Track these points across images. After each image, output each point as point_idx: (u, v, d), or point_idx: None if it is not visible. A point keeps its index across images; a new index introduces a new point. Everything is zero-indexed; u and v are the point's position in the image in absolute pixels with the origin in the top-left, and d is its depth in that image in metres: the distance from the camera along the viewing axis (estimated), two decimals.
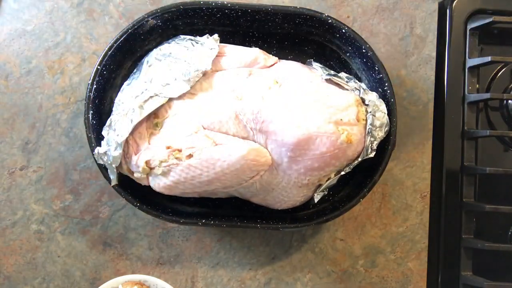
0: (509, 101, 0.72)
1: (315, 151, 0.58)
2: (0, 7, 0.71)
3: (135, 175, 0.60)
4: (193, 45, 0.62)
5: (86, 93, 0.62)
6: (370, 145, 0.60)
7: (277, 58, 0.65)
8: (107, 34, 0.71)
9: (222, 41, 0.65)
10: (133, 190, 0.62)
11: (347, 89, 0.61)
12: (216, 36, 0.63)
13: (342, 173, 0.61)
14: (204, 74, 0.61)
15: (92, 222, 0.70)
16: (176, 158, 0.58)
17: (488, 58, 0.68)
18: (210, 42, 0.62)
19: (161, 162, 0.58)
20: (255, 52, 0.63)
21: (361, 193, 0.62)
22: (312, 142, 0.57)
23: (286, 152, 0.58)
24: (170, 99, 0.60)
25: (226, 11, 0.64)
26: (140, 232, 0.70)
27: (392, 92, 0.62)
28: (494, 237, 0.71)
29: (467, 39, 0.72)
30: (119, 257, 0.70)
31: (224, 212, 0.67)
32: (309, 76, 0.62)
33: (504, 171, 0.68)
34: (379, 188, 0.71)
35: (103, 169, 0.61)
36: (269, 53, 0.65)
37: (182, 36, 0.64)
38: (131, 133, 0.59)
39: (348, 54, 0.67)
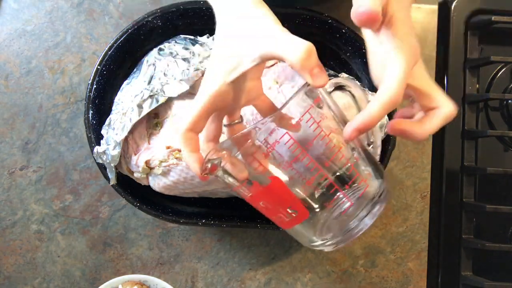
0: (509, 101, 0.72)
1: (314, 151, 0.57)
2: (0, 7, 0.71)
3: (135, 175, 0.60)
4: (193, 45, 0.62)
5: (86, 93, 0.62)
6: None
7: None
8: (107, 34, 0.71)
9: None
10: (133, 190, 0.62)
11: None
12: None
13: None
14: (204, 74, 0.61)
15: (92, 222, 0.70)
16: (176, 158, 0.58)
17: (488, 58, 0.68)
18: (210, 42, 0.62)
19: (161, 162, 0.58)
20: None
21: None
22: (312, 142, 0.57)
23: (286, 152, 0.58)
24: (170, 99, 0.60)
25: None
26: (140, 232, 0.70)
27: None
28: (494, 237, 0.71)
29: (467, 39, 0.72)
30: (119, 257, 0.70)
31: (224, 212, 0.67)
32: None
33: (504, 171, 0.68)
34: None
35: (103, 168, 0.61)
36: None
37: (182, 36, 0.64)
38: (131, 133, 0.59)
39: (348, 54, 0.67)
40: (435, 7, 0.73)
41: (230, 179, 0.42)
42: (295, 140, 0.40)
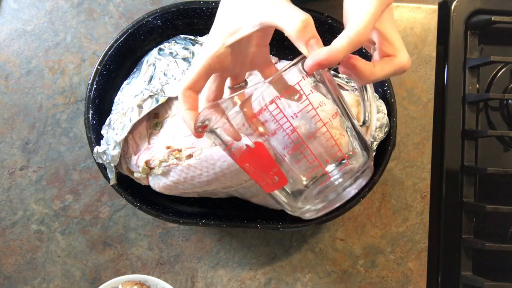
0: (509, 101, 0.72)
1: (314, 151, 0.57)
2: (0, 7, 0.71)
3: (135, 175, 0.60)
4: (193, 45, 0.62)
5: (86, 93, 0.62)
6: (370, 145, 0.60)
7: (277, 58, 0.65)
8: (107, 34, 0.71)
9: None
10: (133, 190, 0.62)
11: (347, 90, 0.61)
12: None
13: None
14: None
15: (92, 222, 0.70)
16: (176, 158, 0.58)
17: (488, 58, 0.68)
18: None
19: (161, 162, 0.58)
20: None
21: (361, 193, 0.62)
22: (312, 142, 0.57)
23: (286, 152, 0.58)
24: (170, 99, 0.60)
25: None
26: (140, 232, 0.70)
27: (392, 92, 0.62)
28: (494, 237, 0.71)
29: (467, 39, 0.72)
30: (119, 257, 0.70)
31: (224, 212, 0.67)
32: None
33: (504, 171, 0.68)
34: (379, 188, 0.71)
35: (102, 168, 0.61)
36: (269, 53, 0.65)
37: (182, 36, 0.64)
38: (131, 133, 0.59)
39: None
40: (435, 7, 0.73)
41: (220, 139, 0.44)
42: (281, 109, 0.40)
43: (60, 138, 0.70)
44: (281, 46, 0.69)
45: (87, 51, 0.71)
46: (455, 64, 0.72)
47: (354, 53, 0.38)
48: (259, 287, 0.70)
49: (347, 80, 0.62)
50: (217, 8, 0.63)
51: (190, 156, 0.58)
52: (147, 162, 0.59)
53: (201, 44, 0.62)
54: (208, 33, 0.63)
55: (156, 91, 0.59)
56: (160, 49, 0.62)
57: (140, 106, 0.58)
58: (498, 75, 0.73)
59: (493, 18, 0.69)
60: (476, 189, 0.71)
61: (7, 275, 0.69)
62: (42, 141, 0.70)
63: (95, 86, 0.62)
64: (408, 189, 0.71)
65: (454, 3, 0.71)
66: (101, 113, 0.64)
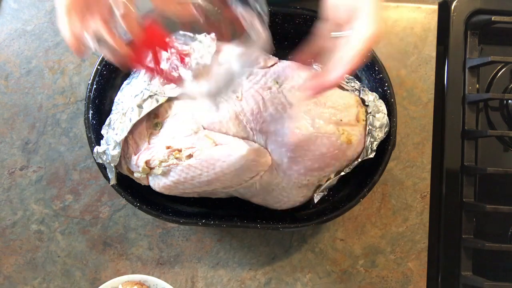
0: (509, 101, 0.72)
1: (315, 152, 0.58)
2: (0, 7, 0.71)
3: (135, 175, 0.60)
4: (193, 41, 0.62)
5: (86, 93, 0.62)
6: (370, 145, 0.60)
7: (277, 58, 0.65)
8: None
9: None
10: (133, 190, 0.62)
11: (347, 90, 0.61)
12: (213, 35, 0.63)
13: (342, 173, 0.61)
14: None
15: (92, 222, 0.70)
16: (176, 158, 0.58)
17: (488, 58, 0.68)
18: (207, 41, 0.62)
19: (161, 162, 0.58)
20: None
21: (361, 193, 0.62)
22: (312, 142, 0.57)
23: (286, 153, 0.58)
24: (170, 99, 0.60)
25: None
26: (140, 232, 0.70)
27: (392, 92, 0.62)
28: (494, 237, 0.71)
29: (467, 39, 0.72)
30: (119, 257, 0.70)
31: (224, 212, 0.67)
32: None
33: (504, 171, 0.68)
34: (379, 188, 0.71)
35: (103, 168, 0.61)
36: (269, 53, 0.65)
37: (181, 32, 0.64)
38: (131, 133, 0.59)
39: None
40: (435, 7, 0.73)
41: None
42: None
43: (60, 138, 0.70)
44: (281, 46, 0.69)
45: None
46: (455, 64, 0.72)
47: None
48: (259, 287, 0.70)
49: (347, 80, 0.62)
50: None
51: (190, 156, 0.58)
52: (147, 162, 0.59)
53: (200, 41, 0.62)
54: (207, 31, 0.64)
55: (156, 91, 0.59)
56: None
57: (140, 106, 0.58)
58: (498, 75, 0.73)
59: (493, 18, 0.69)
60: (476, 189, 0.71)
61: (7, 275, 0.69)
62: (42, 141, 0.70)
63: (95, 86, 0.62)
64: (408, 189, 0.71)
65: (454, 3, 0.71)
66: (101, 113, 0.64)
